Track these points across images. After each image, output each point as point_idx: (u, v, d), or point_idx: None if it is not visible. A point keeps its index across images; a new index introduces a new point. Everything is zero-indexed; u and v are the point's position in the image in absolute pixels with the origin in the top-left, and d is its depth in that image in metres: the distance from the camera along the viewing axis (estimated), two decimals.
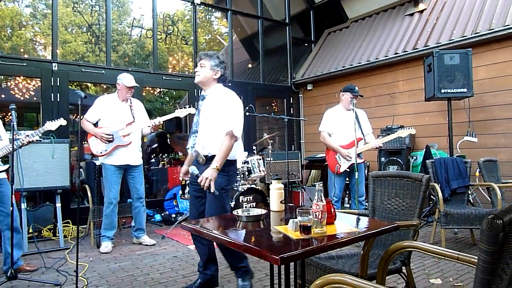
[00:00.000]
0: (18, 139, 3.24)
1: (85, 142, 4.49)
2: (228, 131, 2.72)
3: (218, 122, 2.77)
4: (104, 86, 8.25)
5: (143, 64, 8.48)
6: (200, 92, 3.00)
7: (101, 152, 4.07)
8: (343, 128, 4.44)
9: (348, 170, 4.41)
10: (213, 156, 2.73)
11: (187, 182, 4.23)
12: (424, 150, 5.31)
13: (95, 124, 4.15)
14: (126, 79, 4.17)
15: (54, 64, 5.29)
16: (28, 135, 3.31)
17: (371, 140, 4.45)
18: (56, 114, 5.22)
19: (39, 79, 5.29)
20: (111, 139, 4.06)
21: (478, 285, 1.11)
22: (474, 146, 5.20)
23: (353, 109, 4.30)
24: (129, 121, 4.16)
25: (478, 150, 5.20)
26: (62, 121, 3.57)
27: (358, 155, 4.40)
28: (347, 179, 4.62)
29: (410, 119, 6.12)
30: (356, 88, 4.52)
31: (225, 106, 2.79)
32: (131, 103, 4.27)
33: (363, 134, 4.46)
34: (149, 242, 4.33)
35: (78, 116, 3.19)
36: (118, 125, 4.12)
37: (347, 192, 6.03)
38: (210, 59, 2.88)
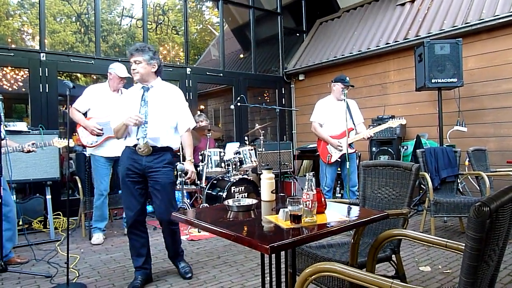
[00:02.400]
0: (22, 145, 3.38)
1: (75, 133, 4.44)
2: (188, 128, 3.03)
3: (168, 116, 2.91)
4: (94, 77, 8.12)
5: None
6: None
7: (91, 143, 4.01)
8: (335, 119, 4.44)
9: (339, 160, 4.43)
10: (162, 148, 2.88)
11: (178, 173, 4.22)
12: (415, 139, 5.34)
13: (85, 114, 4.08)
14: (118, 69, 4.09)
15: (42, 54, 5.19)
16: (31, 144, 3.37)
17: (362, 130, 4.46)
18: (44, 105, 5.14)
19: (27, 70, 5.20)
20: (102, 133, 4.00)
21: (466, 272, 1.12)
22: (464, 135, 5.25)
23: (344, 100, 4.30)
24: None
25: (468, 140, 5.25)
26: (71, 142, 3.57)
27: (350, 145, 4.41)
28: (338, 169, 4.63)
29: (401, 109, 6.14)
30: (347, 78, 4.52)
31: (177, 102, 2.97)
32: (122, 93, 4.21)
33: (354, 124, 4.47)
34: None
35: (67, 107, 3.14)
36: (109, 115, 4.04)
37: (339, 182, 6.07)
38: (143, 53, 2.82)
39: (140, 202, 2.89)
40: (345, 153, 4.30)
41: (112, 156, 4.07)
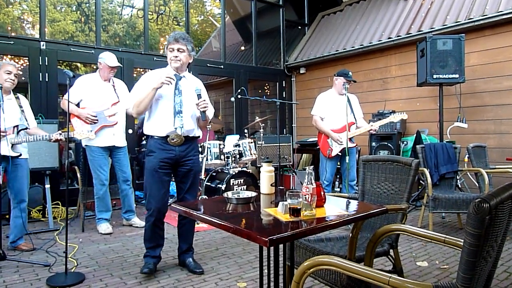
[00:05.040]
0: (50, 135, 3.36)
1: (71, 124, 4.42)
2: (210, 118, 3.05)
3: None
4: (94, 67, 8.08)
5: (134, 44, 8.32)
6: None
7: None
8: (336, 112, 4.43)
9: (340, 154, 4.42)
10: (193, 137, 2.95)
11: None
12: (415, 135, 5.34)
13: (77, 105, 4.05)
14: (108, 59, 4.06)
15: (42, 43, 5.16)
16: (59, 134, 3.37)
17: (363, 125, 4.46)
18: (44, 94, 5.12)
19: (27, 58, 5.17)
20: (96, 120, 3.98)
21: (464, 267, 1.13)
22: (464, 132, 5.24)
23: (345, 94, 4.29)
24: (114, 101, 4.09)
25: (468, 136, 5.25)
26: (91, 135, 3.60)
27: (350, 139, 4.41)
28: (338, 163, 4.64)
29: (401, 104, 6.13)
30: (350, 73, 4.50)
31: (204, 94, 2.96)
32: (113, 83, 4.18)
33: (355, 119, 4.46)
34: (139, 223, 4.33)
35: (67, 97, 3.13)
36: (103, 105, 4.03)
37: (338, 176, 6.08)
38: (187, 42, 2.84)
39: (168, 193, 2.96)
40: (345, 147, 4.31)
41: (108, 145, 4.06)
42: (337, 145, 4.41)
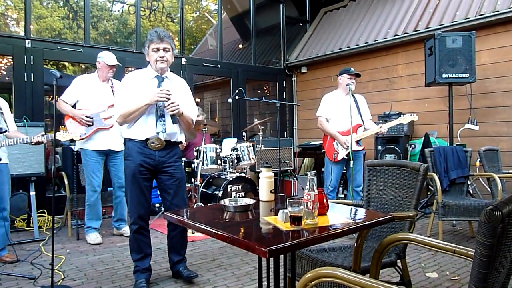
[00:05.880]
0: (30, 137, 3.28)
1: (62, 126, 4.42)
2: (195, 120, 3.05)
3: (184, 110, 2.89)
4: (83, 66, 8.10)
5: (125, 42, 8.34)
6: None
7: (80, 136, 4.01)
8: (342, 114, 4.42)
9: (346, 158, 4.41)
10: (175, 142, 2.94)
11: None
12: (423, 138, 5.35)
13: (73, 106, 4.08)
14: (107, 57, 4.09)
15: (27, 41, 5.16)
16: (40, 136, 3.29)
17: (371, 127, 4.46)
18: (29, 95, 5.12)
19: (11, 57, 5.16)
20: (91, 122, 4.00)
21: (475, 279, 1.13)
22: (475, 134, 5.25)
23: (349, 92, 4.29)
24: (111, 103, 4.10)
25: (479, 139, 5.26)
26: (75, 137, 3.54)
27: (357, 142, 4.41)
28: (344, 168, 4.63)
29: (409, 105, 6.14)
30: (352, 68, 4.51)
31: (188, 96, 3.03)
32: (112, 84, 4.21)
33: (362, 120, 4.46)
34: None
35: (54, 98, 3.12)
36: (99, 107, 4.06)
37: (342, 181, 6.07)
38: (171, 41, 2.87)
39: (149, 199, 2.95)
40: (351, 151, 4.31)
41: (103, 149, 4.08)
42: (343, 148, 4.40)
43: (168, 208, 2.97)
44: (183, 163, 3.05)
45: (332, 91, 4.65)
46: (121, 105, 2.81)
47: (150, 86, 2.86)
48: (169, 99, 2.74)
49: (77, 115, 3.98)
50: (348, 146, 4.34)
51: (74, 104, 4.09)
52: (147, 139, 2.82)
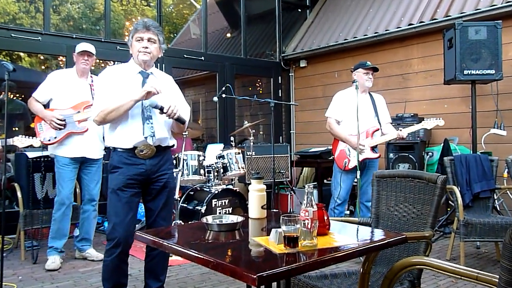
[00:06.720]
0: None
1: (33, 126, 4.39)
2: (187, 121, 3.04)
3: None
4: (42, 57, 8.07)
5: (93, 30, 8.32)
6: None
7: (49, 140, 3.99)
8: (356, 115, 4.39)
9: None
10: (166, 147, 2.97)
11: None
12: (442, 144, 5.39)
13: (47, 106, 4.06)
14: (78, 46, 4.13)
15: None
16: None
17: (389, 131, 4.47)
18: None
19: None
20: (63, 125, 3.98)
21: None
22: (503, 140, 5.30)
23: (355, 85, 4.27)
24: (88, 103, 4.09)
25: (507, 146, 5.30)
26: (35, 142, 3.50)
27: (373, 148, 4.43)
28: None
29: (425, 106, 6.19)
30: (368, 62, 4.54)
31: (178, 94, 3.07)
32: (92, 81, 4.20)
33: (379, 123, 4.48)
34: (96, 256, 4.28)
35: (6, 95, 3.10)
36: (73, 107, 4.05)
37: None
38: (160, 33, 2.91)
39: (136, 217, 2.95)
40: (365, 158, 4.35)
41: (77, 156, 4.07)
42: (356, 155, 4.40)
43: (153, 222, 2.99)
44: (174, 173, 3.06)
45: (346, 89, 4.66)
46: (100, 101, 2.81)
47: (134, 82, 2.87)
48: (159, 92, 2.75)
49: (47, 117, 3.95)
50: (363, 150, 4.33)
51: (48, 103, 4.07)
52: (135, 148, 2.81)
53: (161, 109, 2.73)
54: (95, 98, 2.93)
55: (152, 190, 2.95)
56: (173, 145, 3.07)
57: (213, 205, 4.68)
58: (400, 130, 4.38)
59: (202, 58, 7.14)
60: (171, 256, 4.18)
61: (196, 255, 1.61)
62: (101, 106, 2.77)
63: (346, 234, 1.92)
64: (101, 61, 6.87)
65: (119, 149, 2.84)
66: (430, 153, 5.67)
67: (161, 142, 2.89)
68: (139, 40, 2.84)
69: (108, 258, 2.86)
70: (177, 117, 2.79)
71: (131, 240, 2.89)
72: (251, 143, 5.63)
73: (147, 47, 2.83)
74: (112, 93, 2.79)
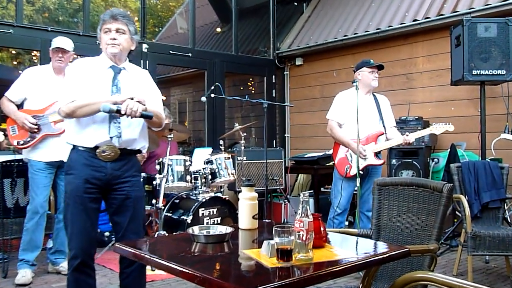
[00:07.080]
0: None
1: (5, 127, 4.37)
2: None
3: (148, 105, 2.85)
4: (13, 52, 8.02)
5: (70, 22, 8.29)
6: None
7: (22, 143, 3.97)
8: (360, 117, 4.39)
9: (362, 173, 4.40)
10: (132, 151, 2.92)
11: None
12: (449, 150, 5.41)
13: (21, 106, 4.05)
14: (53, 41, 4.12)
15: None
16: None
17: (394, 136, 4.48)
18: None
19: None
20: (36, 128, 3.96)
21: None
22: None
23: (355, 84, 4.29)
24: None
25: None
26: (3, 143, 3.50)
27: (377, 154, 4.43)
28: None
29: (431, 108, 6.22)
30: (372, 60, 4.55)
31: (154, 92, 3.07)
32: None
33: (384, 127, 4.49)
34: None
35: None
36: (49, 106, 4.02)
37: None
38: (128, 22, 2.87)
39: (96, 225, 2.90)
40: (369, 165, 4.37)
41: (53, 160, 4.04)
42: (359, 161, 4.40)
43: (122, 237, 2.92)
44: (142, 179, 3.00)
45: (349, 89, 4.65)
46: (71, 90, 2.79)
47: (104, 77, 2.84)
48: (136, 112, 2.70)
49: (19, 119, 3.93)
50: (365, 156, 4.35)
51: (22, 103, 4.05)
52: (97, 147, 2.78)
53: (118, 111, 2.67)
54: (66, 87, 2.87)
55: (113, 200, 2.90)
56: (140, 151, 3.01)
57: (200, 215, 4.67)
58: (407, 134, 4.37)
59: (190, 54, 7.13)
60: (153, 270, 4.18)
61: (181, 269, 1.60)
62: (72, 97, 2.73)
63: (344, 247, 1.92)
64: (79, 57, 6.84)
65: (79, 147, 2.81)
66: (435, 160, 5.70)
67: (127, 144, 2.85)
68: (106, 32, 2.81)
69: (69, 270, 2.85)
70: (140, 114, 2.73)
71: (92, 249, 2.89)
72: (242, 148, 5.62)
73: (115, 39, 2.80)
74: (83, 86, 2.77)
